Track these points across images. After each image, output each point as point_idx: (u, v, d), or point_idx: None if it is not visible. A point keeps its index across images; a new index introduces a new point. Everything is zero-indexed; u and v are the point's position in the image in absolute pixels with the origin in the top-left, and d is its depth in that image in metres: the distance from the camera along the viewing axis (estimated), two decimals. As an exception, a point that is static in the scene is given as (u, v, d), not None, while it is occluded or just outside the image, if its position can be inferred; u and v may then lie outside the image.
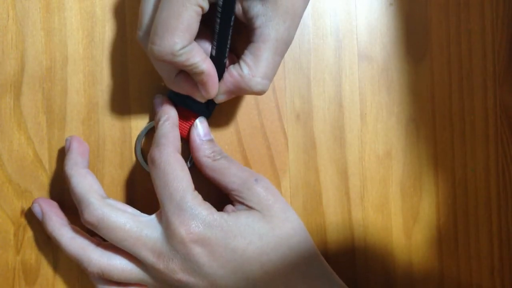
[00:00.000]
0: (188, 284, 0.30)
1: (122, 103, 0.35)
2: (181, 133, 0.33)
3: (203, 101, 0.32)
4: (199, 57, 0.29)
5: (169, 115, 0.33)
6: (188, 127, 0.34)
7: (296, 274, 0.31)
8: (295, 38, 0.36)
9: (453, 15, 0.37)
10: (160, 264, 0.30)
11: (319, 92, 0.36)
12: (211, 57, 0.31)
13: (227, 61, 0.31)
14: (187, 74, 0.31)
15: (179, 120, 0.34)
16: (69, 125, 0.35)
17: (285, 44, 0.30)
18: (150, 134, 0.35)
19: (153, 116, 0.35)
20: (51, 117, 0.35)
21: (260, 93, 0.31)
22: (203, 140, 0.33)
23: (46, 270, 0.36)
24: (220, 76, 0.31)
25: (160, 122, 0.33)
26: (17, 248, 0.35)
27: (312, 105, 0.36)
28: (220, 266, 0.30)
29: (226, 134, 0.36)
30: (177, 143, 0.32)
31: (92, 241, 0.32)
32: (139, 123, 0.35)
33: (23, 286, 0.35)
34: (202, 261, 0.30)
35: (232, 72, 0.30)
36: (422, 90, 0.37)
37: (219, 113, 0.35)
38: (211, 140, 0.34)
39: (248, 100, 0.36)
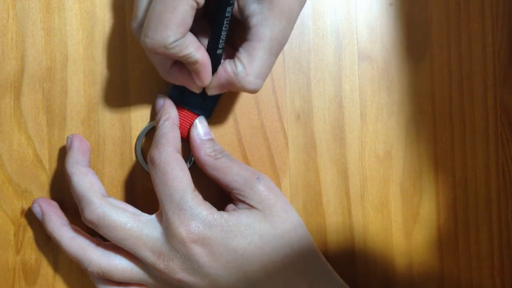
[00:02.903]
0: (189, 284, 0.30)
1: (122, 103, 0.35)
2: (181, 133, 0.33)
3: (198, 91, 0.32)
4: (193, 47, 0.28)
5: (169, 115, 0.33)
6: (189, 127, 0.34)
7: (297, 273, 0.31)
8: (295, 38, 0.36)
9: (453, 15, 0.37)
10: (160, 264, 0.30)
11: (319, 92, 0.36)
12: (207, 46, 0.31)
13: (222, 53, 0.31)
14: (182, 65, 0.31)
15: (180, 120, 0.34)
16: (69, 125, 0.35)
17: (280, 44, 0.30)
18: (150, 134, 0.35)
19: (154, 116, 0.35)
20: (51, 117, 0.35)
21: (252, 92, 0.31)
22: (203, 139, 0.33)
23: (46, 270, 0.36)
24: (215, 67, 0.31)
25: (160, 122, 0.33)
26: (17, 248, 0.35)
27: (312, 105, 0.36)
28: (221, 266, 0.30)
29: (226, 134, 0.36)
30: (177, 143, 0.32)
31: (92, 241, 0.32)
32: (139, 123, 0.35)
33: (23, 286, 0.35)
34: (202, 261, 0.30)
35: (227, 68, 0.30)
36: (422, 90, 0.37)
37: (219, 113, 0.35)
38: (211, 139, 0.33)
39: (248, 100, 0.36)
